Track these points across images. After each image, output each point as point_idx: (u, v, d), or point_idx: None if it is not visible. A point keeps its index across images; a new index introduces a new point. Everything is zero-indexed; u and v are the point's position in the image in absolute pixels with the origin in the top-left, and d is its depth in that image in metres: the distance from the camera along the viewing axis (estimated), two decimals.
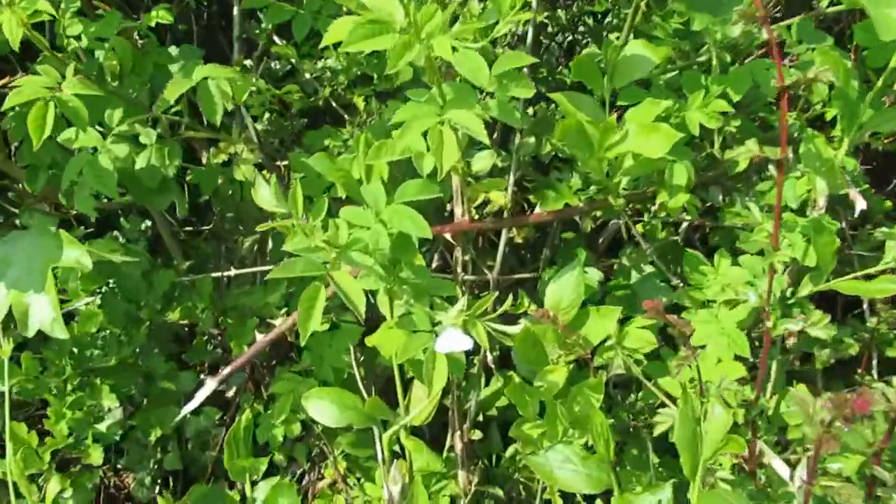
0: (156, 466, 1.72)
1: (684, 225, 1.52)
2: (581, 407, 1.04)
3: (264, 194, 0.81)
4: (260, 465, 1.00)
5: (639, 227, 1.46)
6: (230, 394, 1.68)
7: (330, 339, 1.37)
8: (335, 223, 0.95)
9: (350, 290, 0.82)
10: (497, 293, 1.03)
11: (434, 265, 1.70)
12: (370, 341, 1.02)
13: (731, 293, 1.03)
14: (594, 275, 1.38)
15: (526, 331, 1.06)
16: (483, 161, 1.13)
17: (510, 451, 1.49)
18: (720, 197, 1.24)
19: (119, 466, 1.73)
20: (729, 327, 1.11)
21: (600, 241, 1.63)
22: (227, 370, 1.05)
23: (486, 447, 1.51)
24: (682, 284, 1.18)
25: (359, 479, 1.36)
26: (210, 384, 1.04)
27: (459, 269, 1.17)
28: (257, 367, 1.69)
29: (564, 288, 1.07)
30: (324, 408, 1.11)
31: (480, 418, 1.44)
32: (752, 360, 1.16)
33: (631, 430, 1.34)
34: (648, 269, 1.44)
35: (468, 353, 0.98)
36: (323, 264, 0.83)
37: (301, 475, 1.59)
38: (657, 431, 0.86)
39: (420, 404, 1.14)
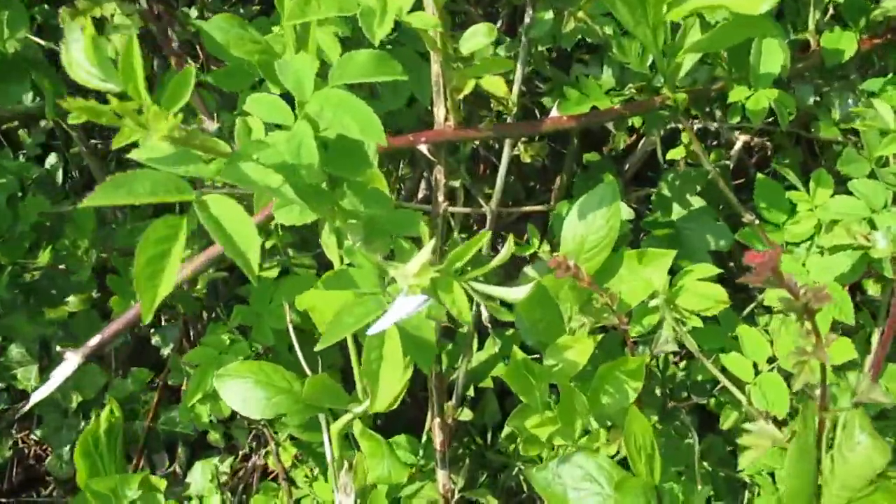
0: (75, 438, 1.40)
1: (737, 145, 1.16)
2: (612, 400, 0.71)
3: (78, 59, 0.45)
4: (132, 482, 0.67)
5: (676, 152, 1.10)
6: (166, 351, 1.35)
7: (273, 290, 1.03)
8: (244, 122, 0.60)
9: (235, 226, 0.47)
10: (490, 233, 0.69)
11: (420, 195, 1.35)
12: (299, 303, 0.68)
13: (842, 235, 0.68)
14: (623, 211, 1.02)
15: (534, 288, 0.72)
16: (477, 38, 0.77)
17: (509, 427, 1.17)
18: (811, 98, 0.88)
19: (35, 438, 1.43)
20: (825, 282, 0.77)
21: (626, 167, 1.27)
22: (96, 339, 0.72)
23: (479, 417, 1.19)
24: (755, 220, 0.83)
25: (312, 471, 1.05)
26: (71, 360, 0.71)
27: (440, 198, 0.82)
28: (198, 318, 1.36)
29: (591, 223, 0.72)
30: (245, 391, 0.78)
31: (471, 392, 1.11)
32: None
33: (667, 410, 1.01)
34: (696, 202, 1.08)
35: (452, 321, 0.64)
36: (189, 184, 0.48)
37: (247, 455, 1.28)
38: (745, 462, 0.53)
39: (385, 384, 0.81)
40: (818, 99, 0.90)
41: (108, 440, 0.66)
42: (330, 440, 0.82)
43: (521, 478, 1.13)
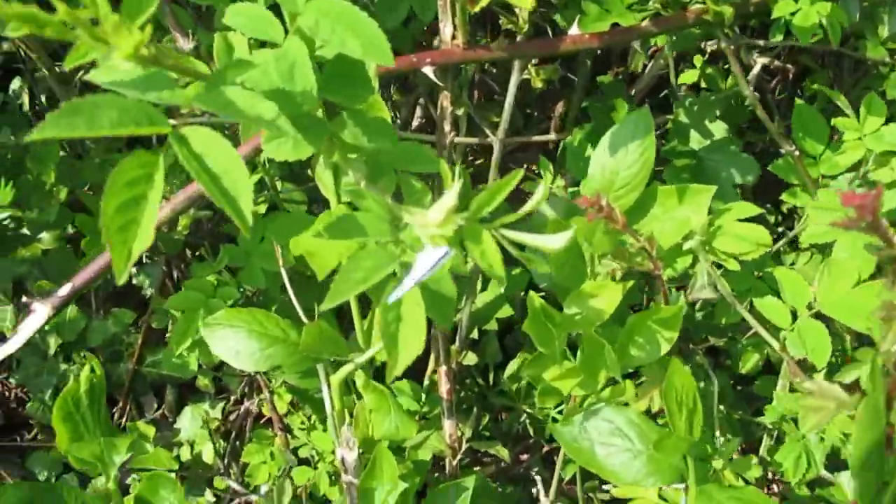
0: (57, 381, 1.34)
1: (756, 69, 1.07)
2: (642, 353, 0.65)
3: None
4: (119, 446, 0.61)
5: (687, 77, 1.01)
6: (148, 291, 1.28)
7: (262, 227, 0.95)
8: (223, 38, 0.51)
9: (221, 165, 0.39)
10: (522, 172, 0.61)
11: (415, 124, 1.25)
12: (294, 247, 0.61)
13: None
14: None
15: (556, 226, 0.65)
16: None
17: (514, 365, 1.12)
18: (857, 15, 0.79)
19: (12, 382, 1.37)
20: None
21: (632, 92, 1.17)
22: (66, 288, 0.64)
23: (480, 357, 1.13)
24: (795, 151, 0.75)
25: (309, 419, 0.99)
26: (40, 311, 0.63)
27: (447, 128, 0.73)
28: (181, 257, 1.29)
29: (623, 157, 0.64)
30: (237, 342, 0.71)
31: (475, 335, 1.05)
32: None
33: (683, 352, 0.95)
34: (717, 130, 1.00)
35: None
36: (163, 114, 0.39)
37: (240, 399, 1.22)
38: (808, 427, 0.47)
39: (404, 348, 0.74)
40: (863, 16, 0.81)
41: (89, 401, 0.60)
42: (330, 392, 0.76)
43: (527, 422, 1.09)
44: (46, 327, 1.29)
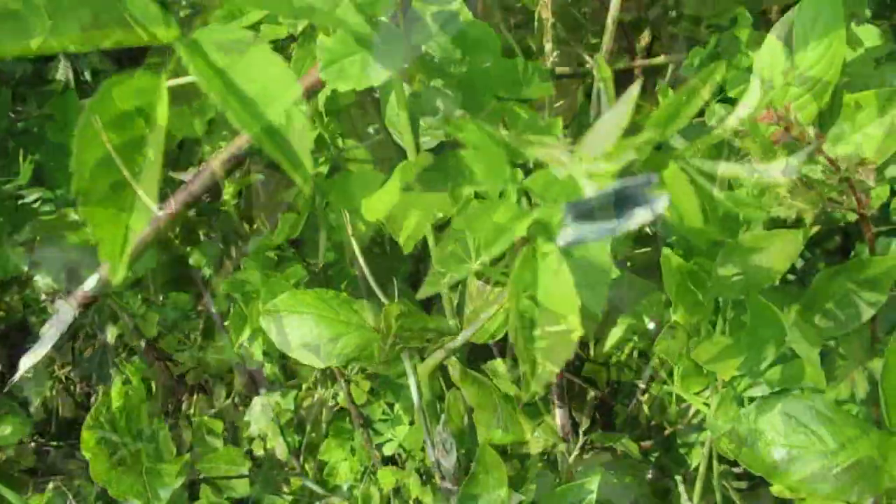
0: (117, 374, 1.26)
1: None
2: (834, 323, 0.48)
3: None
4: (167, 475, 0.48)
5: None
6: (207, 272, 1.17)
7: (327, 189, 0.81)
8: None
9: (255, 78, 0.24)
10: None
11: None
12: (368, 210, 0.46)
13: None
14: None
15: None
16: None
17: (617, 332, 0.96)
18: None
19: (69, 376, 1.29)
20: None
21: None
22: (92, 279, 0.51)
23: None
24: None
25: (391, 407, 0.87)
26: (65, 311, 0.51)
27: (548, 46, 0.57)
28: (237, 232, 1.17)
29: (803, 56, 0.46)
30: (303, 332, 0.58)
31: None
32: None
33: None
34: (866, 35, 0.81)
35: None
36: (165, 10, 0.25)
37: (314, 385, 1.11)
38: None
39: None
40: None
41: (126, 420, 0.48)
42: (416, 386, 0.62)
43: (644, 403, 0.93)
44: (102, 317, 1.21)
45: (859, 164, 0.41)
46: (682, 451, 0.90)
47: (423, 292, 0.29)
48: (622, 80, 1.00)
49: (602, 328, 0.98)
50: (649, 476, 0.95)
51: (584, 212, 0.24)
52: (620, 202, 0.24)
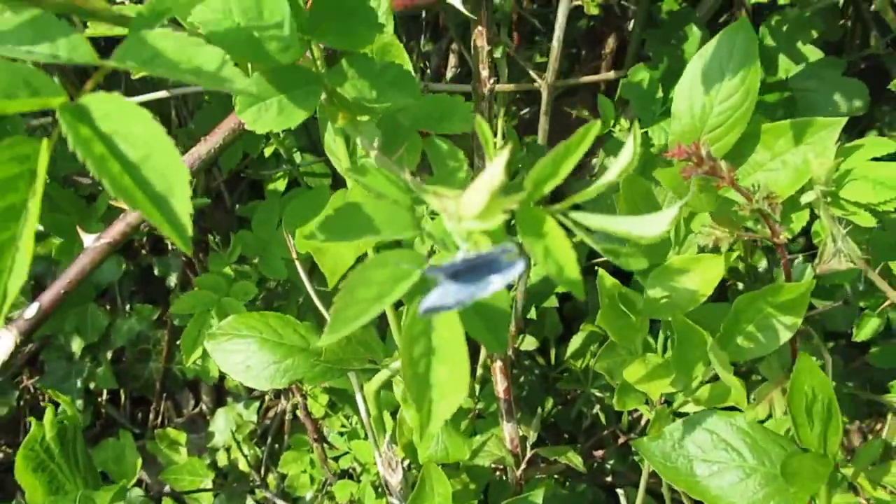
0: (83, 386, 1.27)
1: None
2: (754, 344, 0.50)
3: None
4: (100, 500, 0.49)
5: None
6: (172, 281, 1.18)
7: (281, 208, 0.82)
8: None
9: (138, 143, 0.25)
10: (599, 124, 0.47)
11: (448, 74, 1.10)
12: (299, 242, 0.47)
13: None
14: None
15: (631, 186, 0.49)
16: None
17: (578, 339, 0.98)
18: None
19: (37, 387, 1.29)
20: None
21: (696, 14, 1.00)
22: (32, 308, 0.52)
23: (538, 331, 1.00)
24: None
25: (349, 419, 0.88)
26: (5, 338, 0.51)
27: (484, 73, 0.58)
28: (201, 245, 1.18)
29: (718, 89, 0.48)
30: (246, 356, 0.59)
31: (532, 314, 0.91)
32: None
33: None
34: (811, 53, 0.83)
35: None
36: (55, 80, 0.26)
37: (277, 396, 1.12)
38: None
39: (440, 393, 0.61)
40: None
41: (60, 447, 0.48)
42: (364, 404, 0.63)
43: (598, 409, 0.95)
44: (68, 328, 1.21)
45: (766, 197, 0.42)
46: (636, 458, 0.92)
47: (322, 341, 0.30)
48: (581, 89, 1.00)
49: (567, 336, 1.00)
50: (608, 481, 0.97)
51: (454, 274, 0.25)
52: (478, 269, 0.25)
